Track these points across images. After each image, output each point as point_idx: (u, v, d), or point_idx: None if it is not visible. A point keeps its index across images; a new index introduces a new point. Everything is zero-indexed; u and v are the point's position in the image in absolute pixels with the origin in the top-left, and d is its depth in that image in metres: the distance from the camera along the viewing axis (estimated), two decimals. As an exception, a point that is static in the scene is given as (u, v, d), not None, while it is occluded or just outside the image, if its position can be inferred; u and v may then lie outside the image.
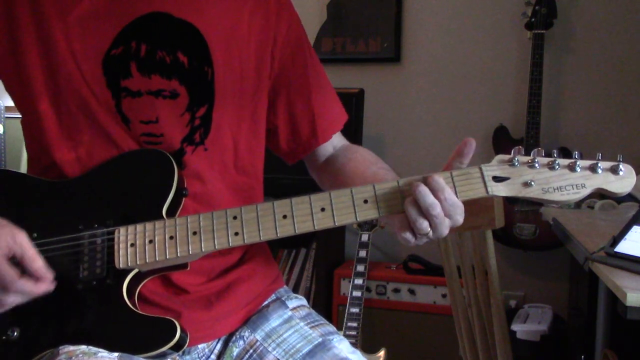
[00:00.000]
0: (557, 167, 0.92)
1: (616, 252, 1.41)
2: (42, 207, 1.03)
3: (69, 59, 1.03)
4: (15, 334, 0.97)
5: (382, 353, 2.53)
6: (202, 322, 1.07)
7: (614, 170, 0.93)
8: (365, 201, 0.95)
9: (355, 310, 2.51)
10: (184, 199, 1.03)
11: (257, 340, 1.10)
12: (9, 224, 0.95)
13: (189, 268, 1.01)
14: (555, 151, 0.94)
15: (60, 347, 0.95)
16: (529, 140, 2.62)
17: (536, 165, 0.93)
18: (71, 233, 1.00)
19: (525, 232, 2.67)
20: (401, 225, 0.93)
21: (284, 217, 0.95)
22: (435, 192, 0.90)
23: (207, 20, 1.08)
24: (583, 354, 2.02)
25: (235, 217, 0.96)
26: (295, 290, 2.84)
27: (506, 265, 2.86)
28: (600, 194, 0.94)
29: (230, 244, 0.96)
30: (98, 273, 0.98)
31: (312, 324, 1.13)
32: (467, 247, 1.64)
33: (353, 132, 2.71)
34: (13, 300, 0.93)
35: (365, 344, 2.63)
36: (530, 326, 2.44)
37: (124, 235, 0.98)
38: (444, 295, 2.63)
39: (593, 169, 0.93)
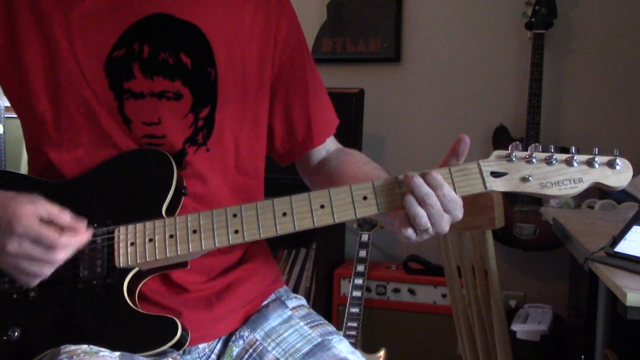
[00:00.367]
0: (555, 162, 0.93)
1: (616, 252, 1.41)
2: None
3: (70, 59, 1.03)
4: (16, 334, 0.97)
5: (382, 353, 2.53)
6: (202, 322, 1.07)
7: (611, 165, 0.93)
8: (365, 197, 0.95)
9: (355, 310, 2.51)
10: (183, 198, 1.03)
11: (256, 340, 1.10)
12: (18, 195, 0.94)
13: (189, 266, 1.01)
14: (552, 146, 0.95)
15: (62, 347, 0.95)
16: (529, 140, 2.62)
17: (534, 160, 0.93)
18: (71, 232, 1.00)
19: (525, 232, 2.67)
20: (402, 223, 0.93)
21: (284, 214, 0.96)
22: (434, 189, 0.91)
23: (210, 21, 1.08)
24: (583, 354, 2.02)
25: (235, 215, 0.96)
26: (295, 290, 2.84)
27: (506, 265, 2.86)
28: (600, 191, 0.94)
29: (231, 242, 0.96)
30: (98, 272, 0.98)
31: (312, 324, 1.13)
32: (467, 247, 1.64)
33: (353, 132, 2.71)
34: (63, 257, 0.93)
35: (365, 344, 2.63)
36: (530, 326, 2.44)
37: (124, 234, 0.99)
38: (444, 295, 2.63)
39: (590, 163, 0.93)
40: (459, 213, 0.93)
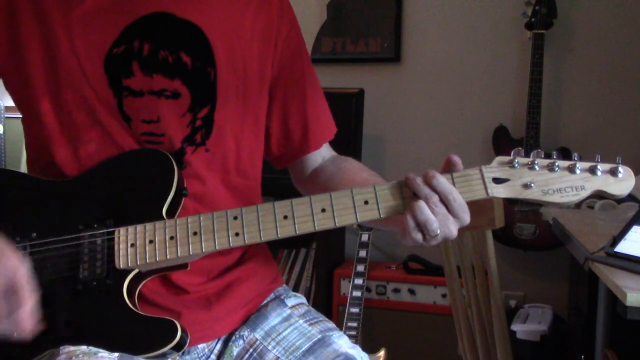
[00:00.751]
0: (557, 169, 0.93)
1: (616, 252, 1.41)
2: (41, 206, 1.03)
3: (71, 56, 1.03)
4: (15, 334, 0.97)
5: (382, 353, 2.53)
6: (201, 322, 1.07)
7: (613, 173, 0.93)
8: (366, 202, 0.95)
9: (355, 310, 2.51)
10: (183, 199, 1.03)
11: (256, 339, 1.10)
12: (14, 254, 0.91)
13: (189, 268, 1.01)
14: (555, 153, 0.94)
15: (61, 348, 0.95)
16: (529, 140, 2.62)
17: (536, 167, 0.93)
18: (71, 233, 0.99)
19: (525, 232, 2.67)
20: (404, 229, 0.93)
21: (285, 217, 0.95)
22: (444, 196, 0.91)
23: (211, 21, 1.07)
24: (583, 354, 2.02)
25: (235, 218, 0.96)
26: (295, 290, 2.83)
27: (506, 265, 2.86)
28: (600, 195, 0.94)
29: (231, 245, 0.96)
30: (98, 273, 0.98)
31: (312, 321, 1.13)
32: (467, 247, 1.64)
33: (353, 132, 2.71)
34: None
35: (365, 344, 2.63)
36: (530, 326, 2.44)
37: (124, 235, 0.98)
38: (444, 295, 2.63)
39: (592, 171, 0.93)
40: (467, 216, 0.93)
